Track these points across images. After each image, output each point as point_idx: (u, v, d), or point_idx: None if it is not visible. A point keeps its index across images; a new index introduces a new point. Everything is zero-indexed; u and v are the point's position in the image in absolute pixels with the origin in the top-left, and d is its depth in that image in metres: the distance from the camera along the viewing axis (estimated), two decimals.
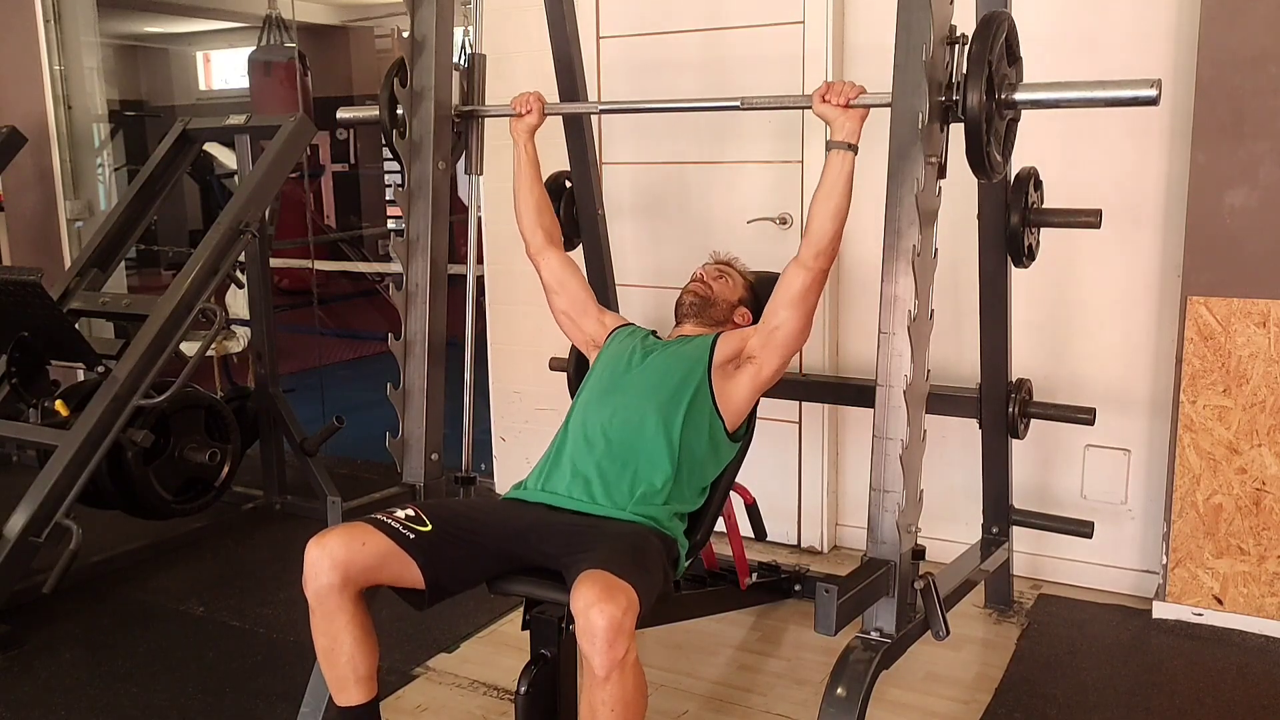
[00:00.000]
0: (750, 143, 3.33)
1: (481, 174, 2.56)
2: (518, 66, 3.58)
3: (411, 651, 2.80)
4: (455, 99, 2.45)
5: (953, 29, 1.86)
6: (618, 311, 3.07)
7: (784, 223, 3.31)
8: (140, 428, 3.11)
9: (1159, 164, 2.88)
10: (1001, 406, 2.67)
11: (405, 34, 2.40)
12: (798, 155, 3.25)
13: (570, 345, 2.99)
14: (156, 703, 2.58)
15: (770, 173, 3.32)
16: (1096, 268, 2.98)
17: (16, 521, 2.85)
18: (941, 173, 1.88)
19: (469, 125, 2.52)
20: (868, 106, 2.05)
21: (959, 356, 2.95)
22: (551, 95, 2.84)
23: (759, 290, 2.61)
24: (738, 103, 2.28)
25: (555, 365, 3.06)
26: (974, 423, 2.74)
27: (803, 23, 3.18)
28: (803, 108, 2.18)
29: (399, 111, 2.42)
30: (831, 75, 3.15)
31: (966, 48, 1.84)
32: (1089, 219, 2.43)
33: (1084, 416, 2.67)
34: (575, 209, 2.95)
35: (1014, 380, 2.69)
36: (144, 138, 7.12)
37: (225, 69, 9.34)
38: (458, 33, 2.56)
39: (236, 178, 3.87)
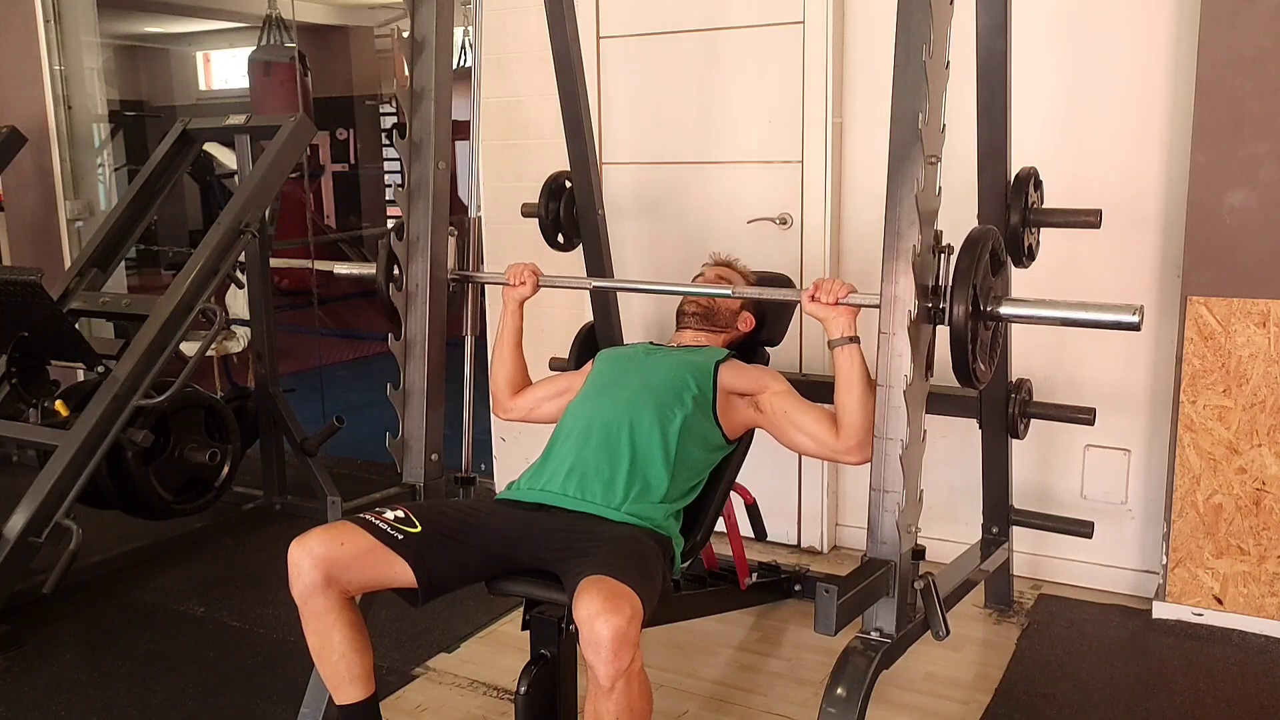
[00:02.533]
0: (750, 143, 3.33)
1: (478, 335, 2.57)
2: (517, 66, 3.58)
3: (411, 651, 2.80)
4: (450, 263, 2.43)
5: (939, 236, 1.88)
6: (618, 315, 3.08)
7: (784, 223, 3.31)
8: (140, 428, 3.11)
9: (1159, 164, 2.88)
10: (1001, 406, 2.68)
11: (405, 34, 2.40)
12: (797, 155, 3.25)
13: (570, 345, 3.00)
14: (156, 703, 2.58)
15: (770, 173, 3.32)
16: (1096, 268, 2.98)
17: (16, 521, 2.85)
18: (930, 371, 1.91)
19: (464, 289, 2.51)
20: (858, 306, 2.05)
21: None
22: (551, 94, 2.85)
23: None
24: (729, 291, 2.35)
25: (555, 365, 3.06)
26: (974, 423, 2.74)
27: (803, 23, 3.18)
28: (793, 301, 2.20)
29: (395, 272, 2.42)
30: (832, 75, 3.15)
31: (953, 259, 1.87)
32: (1089, 219, 2.44)
33: (1084, 416, 2.67)
34: (575, 209, 2.95)
35: (1014, 380, 2.69)
36: (144, 138, 7.12)
37: (225, 69, 9.34)
38: (458, 33, 2.56)
39: (236, 178, 3.87)
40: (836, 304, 2.05)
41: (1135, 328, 1.83)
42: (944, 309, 1.86)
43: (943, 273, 1.88)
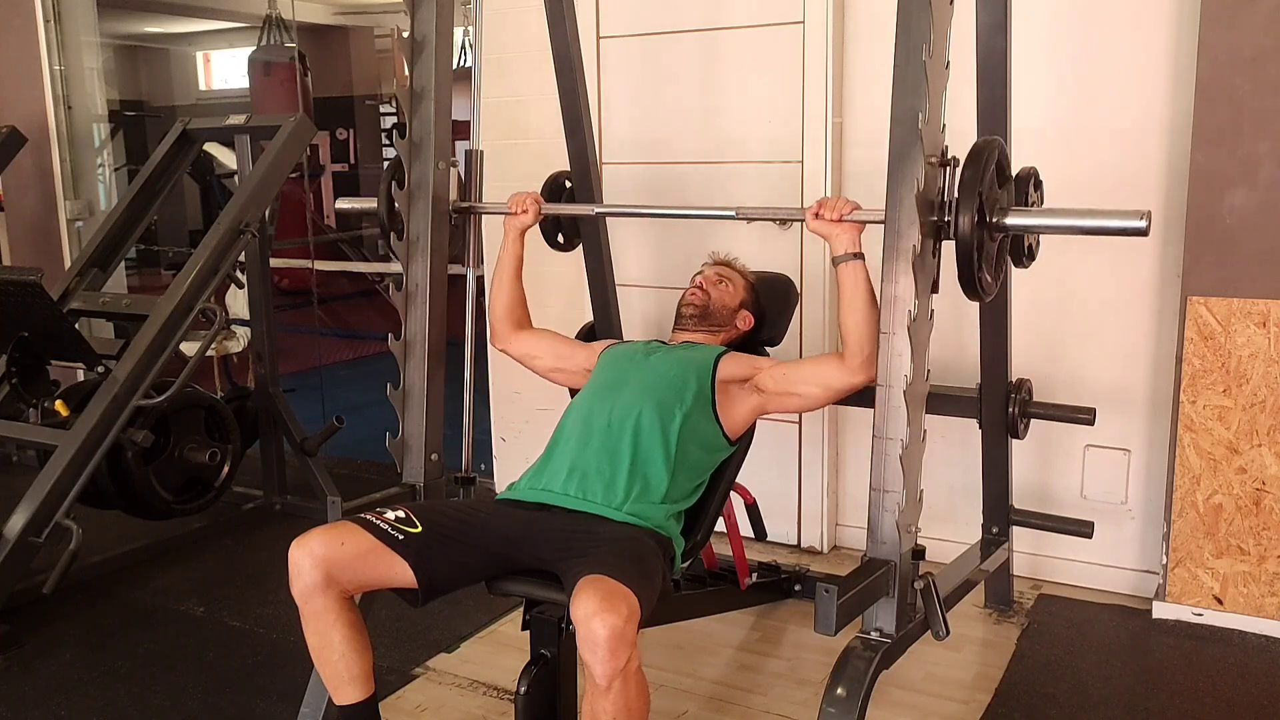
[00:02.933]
0: (750, 142, 3.33)
1: (480, 272, 2.56)
2: (517, 66, 3.58)
3: (411, 651, 2.80)
4: (453, 195, 2.44)
5: (944, 151, 1.88)
6: (618, 315, 3.08)
7: (784, 224, 3.30)
8: (140, 428, 3.11)
9: (1159, 163, 2.88)
10: (1001, 406, 2.67)
11: (405, 34, 2.40)
12: (797, 155, 3.25)
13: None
14: (156, 703, 2.58)
15: (770, 172, 3.32)
16: (1097, 268, 2.98)
17: (16, 521, 2.85)
18: (934, 289, 1.90)
19: (466, 221, 2.52)
20: (862, 222, 2.05)
21: (959, 356, 2.95)
22: (551, 94, 2.85)
23: (760, 290, 2.62)
24: (732, 212, 2.31)
25: None
26: (974, 423, 2.74)
27: (803, 23, 3.17)
28: (798, 220, 2.19)
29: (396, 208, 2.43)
30: (831, 76, 3.15)
31: (958, 171, 1.86)
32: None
33: (1084, 417, 2.67)
34: None
35: (1014, 380, 2.69)
36: (144, 138, 7.13)
37: (225, 69, 9.34)
38: (458, 33, 2.56)
39: (236, 178, 3.87)
40: (840, 220, 2.05)
41: (1142, 232, 1.80)
42: (949, 222, 1.85)
43: (947, 186, 1.87)
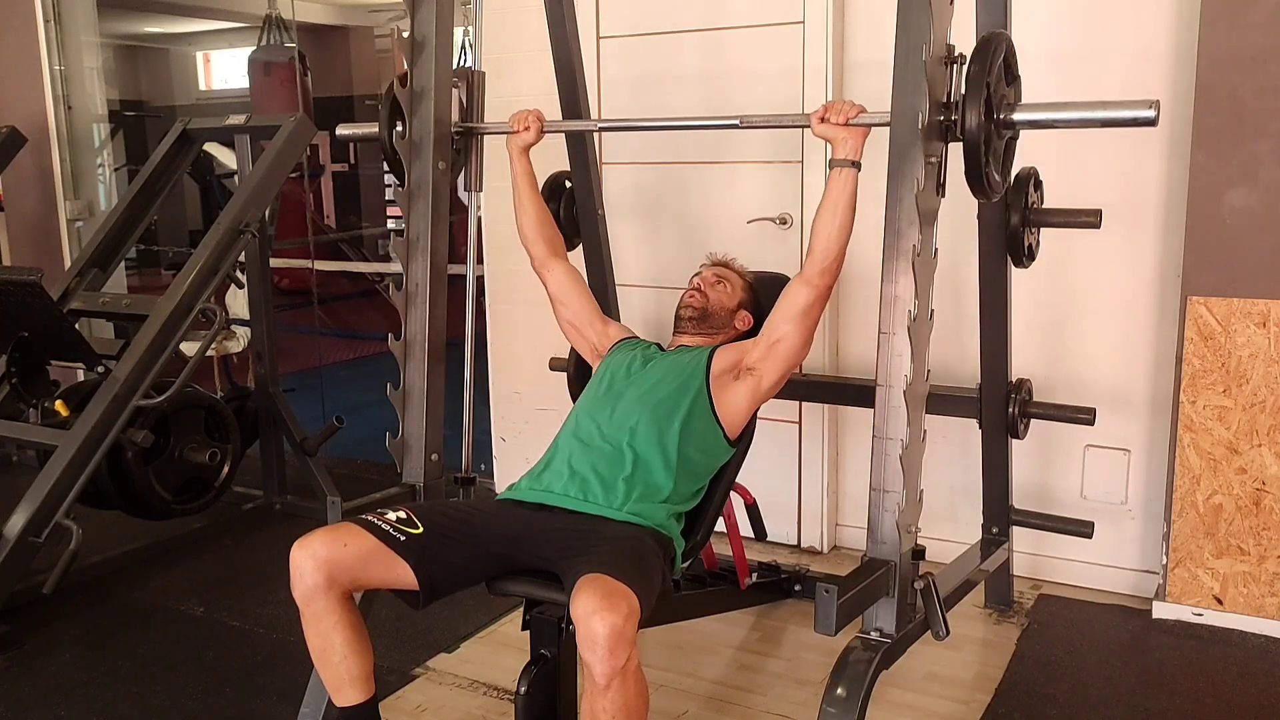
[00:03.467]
0: (750, 142, 3.33)
1: (481, 190, 2.57)
2: (517, 66, 3.58)
3: (411, 651, 2.80)
4: (454, 115, 2.45)
5: (950, 49, 1.86)
6: (618, 315, 3.08)
7: (784, 223, 3.31)
8: (140, 428, 3.11)
9: (1159, 164, 2.88)
10: (1001, 406, 2.67)
11: (405, 34, 2.40)
12: (798, 155, 3.25)
13: (570, 345, 3.00)
14: (156, 703, 2.58)
15: (770, 172, 3.32)
16: (1097, 268, 2.98)
17: (16, 522, 2.85)
18: (941, 190, 1.89)
19: (468, 142, 2.52)
20: (868, 125, 2.05)
21: (959, 356, 2.95)
22: (551, 94, 2.85)
23: (759, 290, 2.61)
24: (736, 120, 2.28)
25: (555, 365, 3.06)
26: (974, 423, 2.74)
27: (803, 23, 3.18)
28: (802, 126, 2.20)
29: (399, 128, 2.42)
30: (832, 75, 3.15)
31: (965, 67, 1.85)
32: (1089, 219, 2.44)
33: (1084, 417, 2.67)
34: (575, 209, 2.95)
35: (1014, 380, 2.69)
36: (144, 138, 7.12)
37: (225, 69, 9.34)
38: (458, 33, 2.56)
39: (236, 178, 3.87)
40: (846, 124, 2.05)
41: (1152, 122, 1.79)
42: (956, 121, 1.84)
43: (954, 85, 1.86)
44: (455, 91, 2.43)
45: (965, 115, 1.82)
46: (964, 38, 2.19)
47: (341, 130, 2.65)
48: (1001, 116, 1.87)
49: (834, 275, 2.15)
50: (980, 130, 1.82)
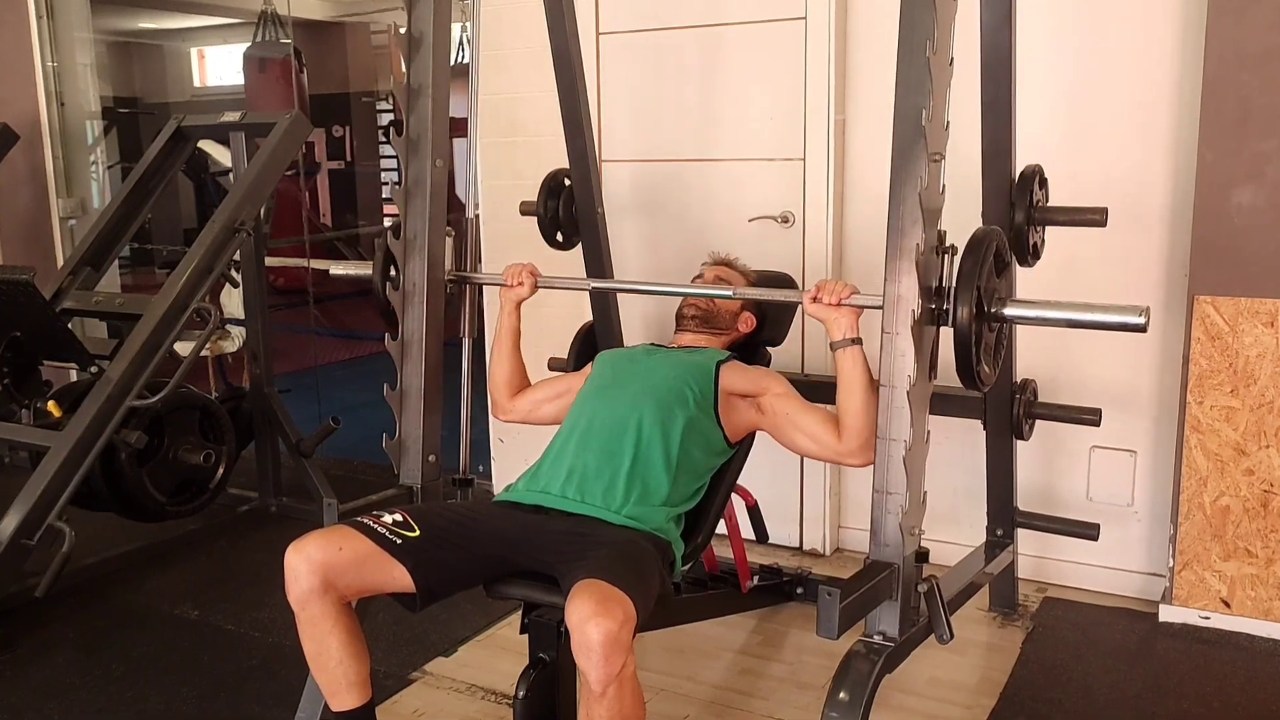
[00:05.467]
0: (752, 139, 3.33)
1: (476, 337, 2.56)
2: (515, 63, 3.58)
3: (408, 655, 2.80)
4: (448, 264, 2.44)
5: (942, 236, 1.89)
6: (618, 314, 3.08)
7: (786, 221, 3.31)
8: (134, 429, 3.11)
9: (1165, 162, 2.88)
10: (1006, 407, 2.68)
11: (402, 30, 2.40)
12: (799, 152, 3.25)
13: (570, 345, 3.00)
14: (150, 707, 2.59)
15: (772, 170, 3.32)
16: (1102, 267, 2.98)
17: (8, 524, 2.84)
18: (933, 373, 1.91)
19: (462, 290, 2.51)
20: (861, 307, 2.05)
21: None
22: (550, 91, 2.85)
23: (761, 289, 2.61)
24: (730, 292, 2.33)
25: (554, 365, 3.06)
26: (978, 424, 2.74)
27: (804, 18, 3.18)
28: (795, 302, 2.21)
29: (393, 273, 2.42)
30: (834, 72, 3.15)
31: (957, 259, 1.87)
32: (1094, 217, 2.44)
33: (1089, 417, 2.67)
34: (574, 207, 2.95)
35: (1018, 381, 2.69)
36: (138, 135, 7.12)
37: (220, 65, 9.34)
38: (455, 29, 2.56)
39: (231, 175, 3.86)
40: (839, 305, 2.05)
41: (1141, 329, 1.83)
42: (948, 310, 1.87)
43: (946, 273, 1.88)
44: (449, 239, 2.43)
45: (956, 309, 1.85)
46: (969, 32, 2.20)
47: (335, 270, 2.70)
48: (992, 311, 1.90)
49: (871, 451, 1.96)
50: (971, 325, 1.85)
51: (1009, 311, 1.92)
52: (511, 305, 2.49)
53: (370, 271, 2.49)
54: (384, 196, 8.48)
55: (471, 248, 2.51)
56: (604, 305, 3.02)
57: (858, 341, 2.05)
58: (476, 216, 2.55)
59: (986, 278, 1.88)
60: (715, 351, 2.43)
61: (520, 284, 2.45)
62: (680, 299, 2.56)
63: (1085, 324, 1.92)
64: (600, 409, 2.28)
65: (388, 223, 8.16)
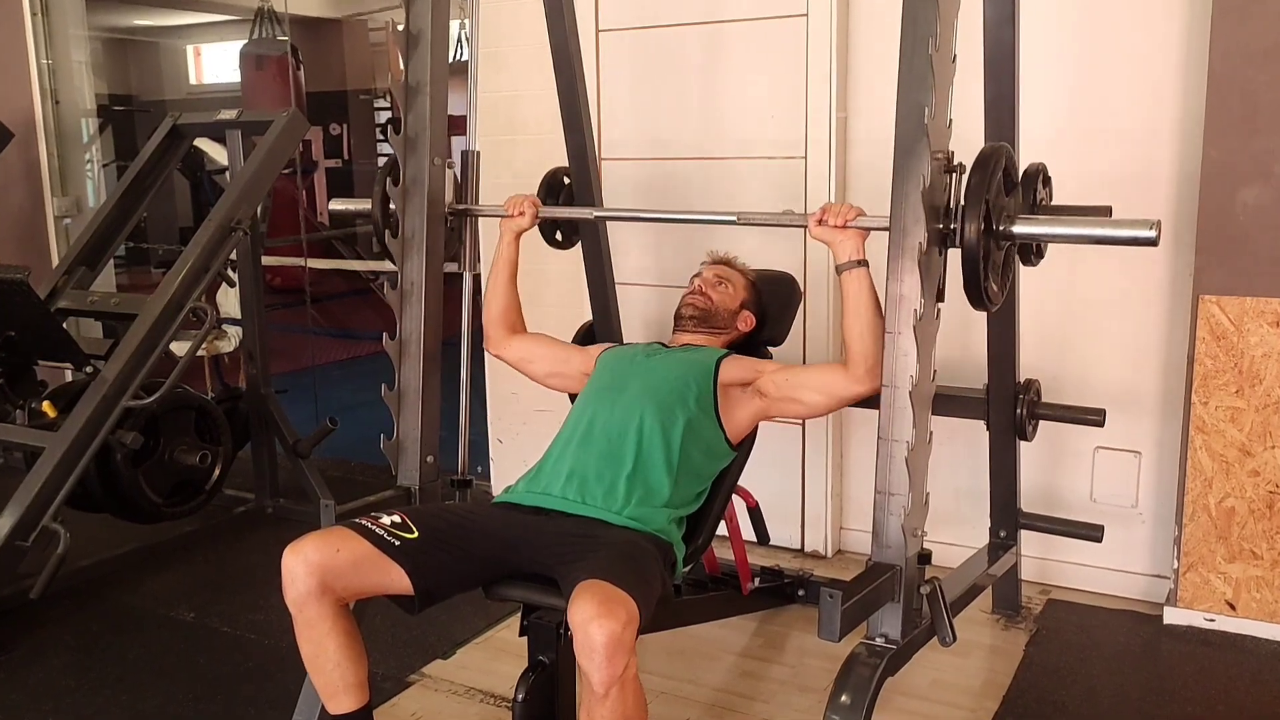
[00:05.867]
0: (752, 137, 3.33)
1: (476, 272, 2.56)
2: (514, 60, 3.58)
3: (406, 658, 2.80)
4: (449, 196, 2.44)
5: (950, 156, 1.88)
6: (617, 314, 3.07)
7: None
8: (129, 429, 3.11)
9: (1170, 159, 2.88)
10: (1009, 408, 2.67)
11: (400, 27, 2.40)
12: (801, 150, 3.25)
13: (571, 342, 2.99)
14: (146, 710, 2.58)
15: (773, 168, 3.32)
16: (1106, 265, 2.98)
17: (3, 525, 2.84)
18: (940, 296, 1.90)
19: (463, 223, 2.52)
20: (867, 229, 2.05)
21: (966, 356, 2.95)
22: (549, 89, 2.85)
23: (762, 289, 2.62)
24: (733, 217, 2.31)
25: None
26: (981, 424, 2.74)
27: (806, 15, 3.17)
28: (799, 226, 2.21)
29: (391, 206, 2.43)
30: (836, 69, 3.15)
31: (965, 178, 1.86)
32: (1099, 216, 2.43)
33: (1093, 418, 2.67)
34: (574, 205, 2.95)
35: (1022, 381, 2.69)
36: (133, 133, 7.13)
37: (216, 63, 9.35)
38: (454, 26, 2.56)
39: (228, 174, 3.87)
40: (845, 226, 2.05)
41: (1152, 242, 1.81)
42: (955, 230, 1.85)
43: (954, 193, 1.87)
44: (449, 171, 2.43)
45: (964, 227, 1.84)
46: (972, 30, 2.20)
47: (334, 205, 2.72)
48: (1001, 229, 1.89)
49: (879, 375, 1.97)
50: (979, 244, 1.84)
51: (1018, 229, 1.91)
52: (511, 236, 2.50)
53: (369, 206, 2.49)
54: None
55: (473, 180, 2.51)
56: (603, 304, 3.02)
57: (864, 264, 2.05)
58: (477, 152, 2.54)
59: (995, 194, 1.86)
60: (715, 350, 2.43)
61: (521, 214, 2.46)
62: (679, 301, 2.55)
63: (1096, 239, 1.91)
64: (601, 411, 2.28)
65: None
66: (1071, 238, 1.96)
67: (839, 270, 2.07)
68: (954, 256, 1.89)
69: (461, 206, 2.50)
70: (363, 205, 2.55)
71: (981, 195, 1.83)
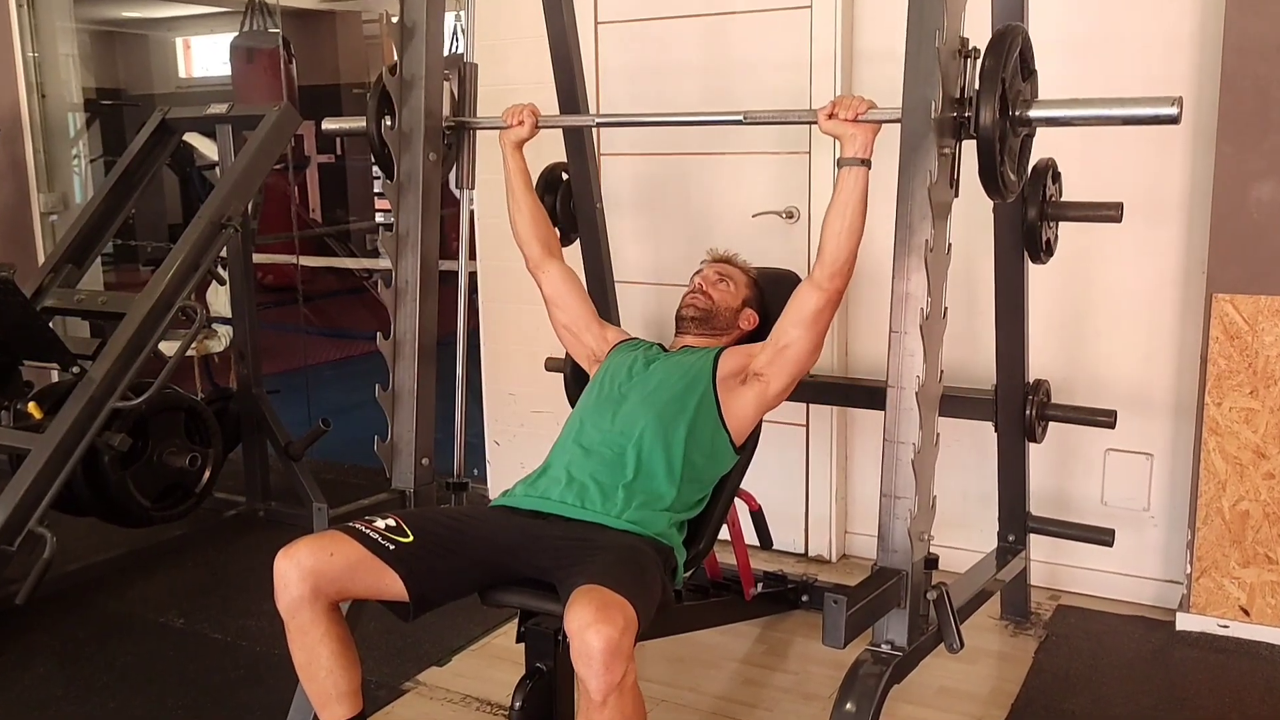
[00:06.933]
0: (755, 132, 3.33)
1: (473, 188, 2.56)
2: (512, 54, 3.58)
3: (400, 665, 2.81)
4: (445, 109, 2.45)
5: (965, 41, 1.87)
6: (617, 313, 3.08)
7: (790, 216, 3.31)
8: (117, 431, 3.11)
9: (1183, 156, 2.88)
10: (1018, 409, 2.68)
11: (394, 20, 2.40)
12: (805, 145, 3.25)
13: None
14: (135, 718, 2.58)
15: (776, 164, 3.32)
16: (1117, 264, 2.98)
17: None
18: (955, 186, 1.89)
19: (460, 137, 2.52)
20: (879, 122, 2.05)
21: (973, 357, 2.95)
22: (547, 83, 2.85)
23: (764, 287, 2.62)
24: (740, 116, 2.29)
25: (551, 366, 3.06)
26: (989, 426, 2.74)
27: (810, 7, 3.18)
28: (809, 122, 2.20)
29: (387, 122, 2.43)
30: (841, 63, 3.15)
31: (979, 61, 1.85)
32: (1110, 213, 2.44)
33: (1104, 419, 2.68)
34: (572, 203, 2.95)
35: (1031, 381, 2.69)
36: (121, 128, 7.12)
37: (206, 56, 9.35)
38: (449, 18, 2.56)
39: (218, 170, 3.87)
40: (855, 120, 2.05)
41: (1174, 120, 1.80)
42: (970, 117, 1.84)
43: (968, 79, 1.86)
44: (446, 84, 2.43)
45: (980, 112, 1.82)
46: (978, 27, 2.20)
47: (328, 124, 2.67)
48: (1017, 113, 1.88)
49: (845, 279, 2.14)
50: (995, 127, 1.82)
51: (1034, 113, 1.89)
52: (512, 146, 2.51)
53: (363, 122, 2.48)
54: (375, 191, 8.48)
55: (471, 91, 2.52)
56: (603, 303, 3.02)
57: (867, 164, 2.06)
58: (475, 65, 2.54)
59: (1011, 75, 1.85)
60: (711, 350, 2.43)
61: (520, 123, 2.46)
62: (681, 301, 2.55)
63: (1116, 119, 1.89)
64: (601, 422, 2.29)
65: (379, 218, 8.18)
66: (1090, 119, 1.94)
67: (840, 164, 2.08)
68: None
69: (459, 119, 2.50)
70: (357, 124, 2.53)
71: (997, 77, 1.81)
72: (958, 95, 1.86)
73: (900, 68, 1.88)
